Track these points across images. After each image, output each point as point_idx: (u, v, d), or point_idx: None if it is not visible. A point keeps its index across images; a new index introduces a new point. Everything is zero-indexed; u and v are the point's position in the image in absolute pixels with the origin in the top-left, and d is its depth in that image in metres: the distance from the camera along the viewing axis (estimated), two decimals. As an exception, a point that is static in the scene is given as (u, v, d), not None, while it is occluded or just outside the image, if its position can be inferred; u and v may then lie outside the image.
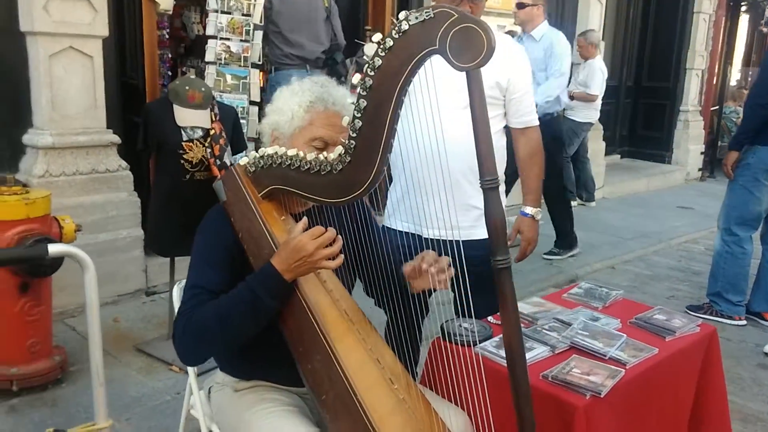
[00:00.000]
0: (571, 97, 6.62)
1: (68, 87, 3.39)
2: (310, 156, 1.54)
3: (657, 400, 1.77)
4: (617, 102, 8.94)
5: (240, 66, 3.61)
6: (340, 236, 1.54)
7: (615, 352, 1.77)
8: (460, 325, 1.91)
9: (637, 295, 4.34)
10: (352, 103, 1.45)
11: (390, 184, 2.41)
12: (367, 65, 1.42)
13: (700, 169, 9.04)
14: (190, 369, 1.84)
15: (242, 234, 1.62)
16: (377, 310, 1.89)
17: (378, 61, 1.40)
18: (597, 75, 6.49)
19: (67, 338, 3.20)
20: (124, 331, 3.36)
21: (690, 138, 8.85)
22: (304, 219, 1.55)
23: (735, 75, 10.49)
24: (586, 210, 6.77)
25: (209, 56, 3.58)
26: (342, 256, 1.55)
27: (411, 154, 2.27)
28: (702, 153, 9.06)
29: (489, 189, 1.39)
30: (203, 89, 2.98)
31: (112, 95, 3.68)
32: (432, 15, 1.31)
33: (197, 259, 1.63)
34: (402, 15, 1.35)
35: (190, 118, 2.95)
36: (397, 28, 1.36)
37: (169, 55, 4.94)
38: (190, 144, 2.93)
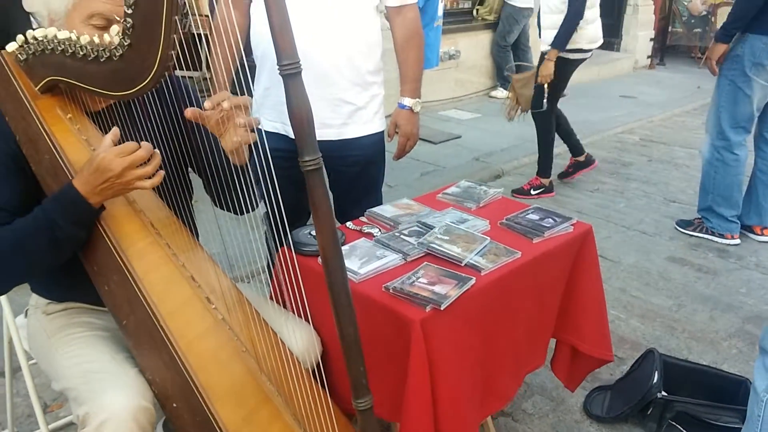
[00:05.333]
0: (511, -20, 6.24)
1: None
2: (84, 39, 1.26)
3: (516, 305, 1.63)
4: (567, -14, 8.51)
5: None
6: (157, 151, 1.30)
7: (473, 258, 1.60)
8: (309, 233, 1.71)
9: (559, 189, 4.22)
10: (122, -31, 1.17)
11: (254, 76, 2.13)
12: None
13: (649, 57, 8.78)
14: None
15: (19, 136, 1.36)
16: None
17: None
18: (538, -45, 6.07)
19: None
20: None
21: (639, 24, 8.53)
22: (114, 131, 1.29)
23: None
24: (525, 102, 6.54)
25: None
26: (162, 173, 1.31)
27: (271, 41, 1.98)
28: (651, 40, 8.77)
29: (288, 76, 1.14)
30: (51, -32, 2.58)
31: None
32: None
33: None
34: None
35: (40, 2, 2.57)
36: None
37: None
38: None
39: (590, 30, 3.76)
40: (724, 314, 2.79)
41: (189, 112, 1.31)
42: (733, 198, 3.43)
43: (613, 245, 3.43)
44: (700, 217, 3.59)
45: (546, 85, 3.76)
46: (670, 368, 2.10)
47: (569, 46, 3.68)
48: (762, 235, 3.49)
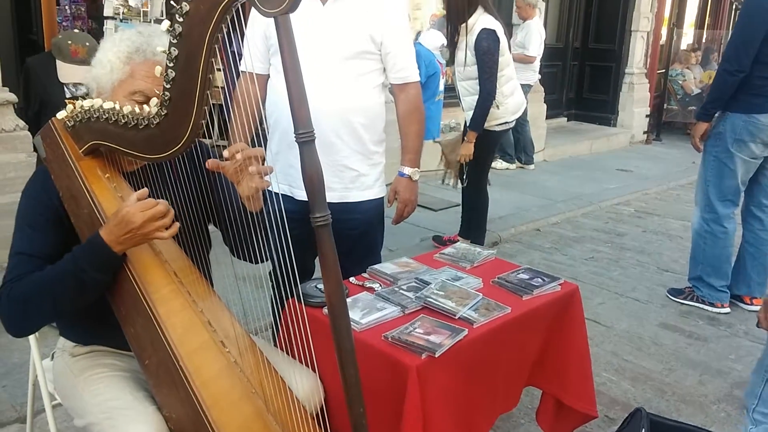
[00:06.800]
0: (510, 59, 6.57)
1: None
2: (127, 109, 1.46)
3: (502, 355, 1.76)
4: (564, 64, 8.91)
5: (140, 21, 3.45)
6: (172, 208, 1.46)
7: (466, 311, 1.74)
8: (315, 287, 1.86)
9: (556, 256, 4.37)
10: (164, 51, 1.37)
11: (266, 142, 2.32)
12: (175, 10, 1.34)
13: (645, 132, 9.09)
14: (31, 336, 1.76)
15: (62, 192, 1.54)
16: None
17: (186, 7, 1.32)
18: (535, 36, 6.43)
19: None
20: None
21: (635, 101, 8.89)
22: (143, 191, 1.46)
23: (688, 37, 10.49)
24: (524, 173, 6.78)
25: (107, 11, 3.43)
26: (177, 224, 1.47)
27: (283, 111, 2.19)
28: (647, 116, 9.11)
29: (303, 143, 1.32)
30: (87, 44, 2.85)
31: (8, 51, 3.51)
32: (235, -39, 1.22)
33: (20, 223, 1.54)
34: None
35: (74, 74, 2.81)
36: (201, -27, 1.27)
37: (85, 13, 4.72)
38: (74, 101, 2.79)
39: (511, 102, 3.94)
40: (714, 379, 2.88)
41: (211, 162, 1.50)
42: (722, 269, 3.54)
43: (607, 311, 3.54)
44: (691, 286, 3.70)
45: (465, 163, 3.91)
46: (657, 427, 2.18)
47: (496, 122, 3.87)
48: (751, 304, 3.59)
